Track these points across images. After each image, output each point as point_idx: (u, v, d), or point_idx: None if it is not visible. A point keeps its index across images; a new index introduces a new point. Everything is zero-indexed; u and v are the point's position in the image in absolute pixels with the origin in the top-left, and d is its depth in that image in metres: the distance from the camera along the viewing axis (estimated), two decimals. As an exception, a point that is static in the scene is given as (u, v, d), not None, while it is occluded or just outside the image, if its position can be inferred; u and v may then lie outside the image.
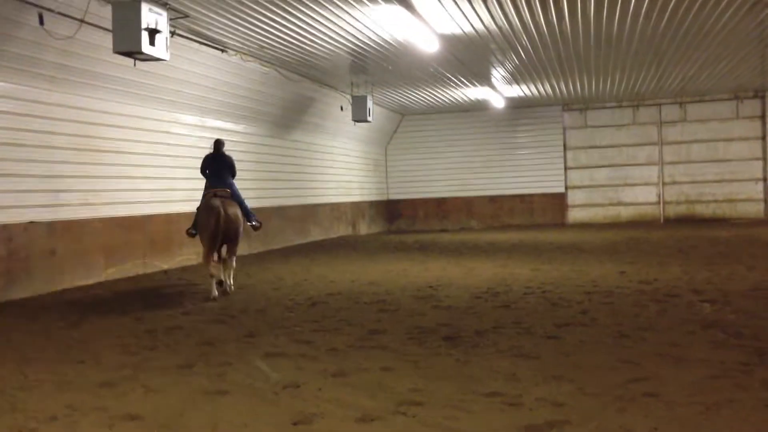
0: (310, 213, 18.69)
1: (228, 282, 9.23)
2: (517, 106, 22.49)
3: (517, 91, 19.59)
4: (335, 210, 20.40)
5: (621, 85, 19.48)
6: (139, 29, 8.68)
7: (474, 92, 19.41)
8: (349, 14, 10.81)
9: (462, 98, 20.57)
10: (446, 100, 21.01)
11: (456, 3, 10.42)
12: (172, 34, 9.89)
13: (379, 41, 12.64)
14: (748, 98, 22.00)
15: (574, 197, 23.56)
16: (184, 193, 13.00)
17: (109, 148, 11.23)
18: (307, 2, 10.11)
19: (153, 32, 8.91)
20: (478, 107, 22.45)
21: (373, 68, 15.22)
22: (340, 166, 20.84)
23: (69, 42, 9.35)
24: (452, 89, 18.93)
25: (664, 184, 22.89)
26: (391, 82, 17.44)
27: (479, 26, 11.87)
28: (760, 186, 22.11)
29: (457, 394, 4.40)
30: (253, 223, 9.80)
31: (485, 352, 5.53)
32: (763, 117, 22.05)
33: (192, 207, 13.08)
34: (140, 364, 5.48)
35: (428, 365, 5.17)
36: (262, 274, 11.38)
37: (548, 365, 5.06)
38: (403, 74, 16.27)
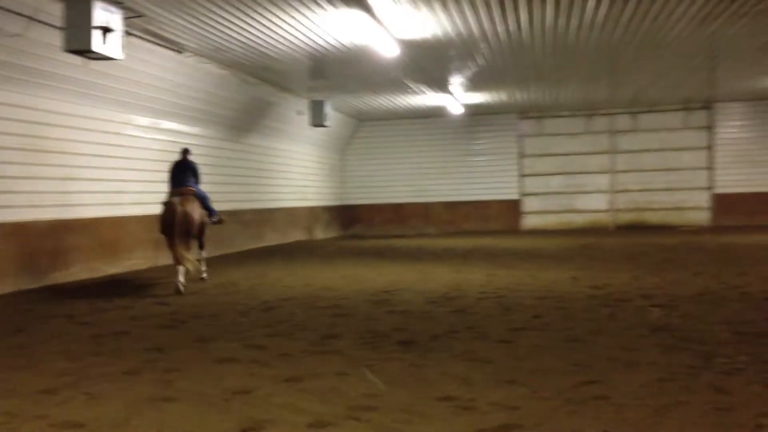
0: (265, 217, 18.51)
1: (201, 269, 10.69)
2: (474, 113, 22.69)
3: (474, 98, 19.77)
4: (291, 215, 20.25)
5: (576, 94, 19.82)
6: (90, 27, 8.52)
7: (432, 99, 19.51)
8: (308, 18, 10.75)
9: (420, 104, 20.66)
10: (404, 106, 21.08)
11: (416, 8, 10.45)
12: (127, 33, 9.69)
13: (338, 45, 12.60)
14: (696, 109, 22.62)
15: (528, 204, 23.85)
16: (136, 196, 12.75)
17: (58, 149, 10.93)
18: (266, 4, 10.03)
19: (105, 31, 8.73)
20: (436, 114, 22.58)
21: (331, 73, 15.16)
22: (297, 170, 20.71)
23: (18, 40, 9.09)
24: (411, 95, 18.99)
25: (615, 191, 23.34)
26: (349, 87, 17.41)
27: (439, 33, 11.94)
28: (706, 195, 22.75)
29: (411, 399, 4.37)
30: (214, 219, 10.80)
31: (439, 356, 5.52)
32: (709, 128, 22.68)
33: (144, 210, 12.89)
34: (84, 370, 5.31)
35: (382, 370, 5.13)
36: (215, 278, 11.21)
37: (501, 369, 5.07)
38: (361, 79, 16.26)
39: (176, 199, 9.88)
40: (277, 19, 10.78)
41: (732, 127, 22.64)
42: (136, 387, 4.79)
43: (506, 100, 20.42)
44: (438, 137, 24.05)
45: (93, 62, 9.90)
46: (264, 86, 16.02)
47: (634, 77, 17.25)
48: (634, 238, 18.40)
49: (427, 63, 14.55)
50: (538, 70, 15.88)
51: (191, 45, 12.13)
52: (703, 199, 22.89)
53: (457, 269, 11.98)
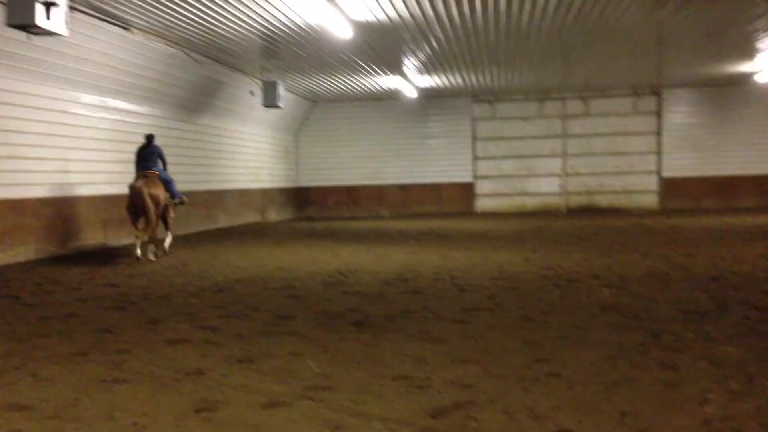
0: (217, 199, 18.25)
1: (163, 248, 11.42)
2: (428, 96, 22.72)
3: (428, 81, 19.78)
4: (244, 196, 20.01)
5: (529, 78, 20.00)
6: (33, 2, 8.24)
7: (386, 81, 19.45)
8: (260, -5, 10.57)
9: (374, 87, 20.58)
10: (359, 89, 20.97)
11: (369, -12, 10.37)
12: (72, 8, 9.38)
13: (291, 25, 12.43)
14: (646, 95, 23.09)
15: (482, 187, 24.06)
16: (83, 176, 12.42)
17: (0, 127, 10.55)
18: (216, -20, 9.81)
19: (49, 5, 8.44)
20: (391, 96, 22.53)
21: (284, 53, 14.97)
22: (250, 152, 20.45)
23: (-45, 11, 8.71)
24: (365, 77, 18.89)
25: (567, 175, 23.72)
26: (303, 68, 17.23)
27: (393, 14, 11.87)
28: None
29: (366, 378, 4.37)
30: (176, 200, 11.51)
31: (394, 336, 5.54)
32: (658, 113, 23.19)
33: (92, 190, 12.58)
34: (30, 352, 5.16)
35: (337, 350, 5.12)
36: (165, 259, 11.02)
37: (456, 349, 5.11)
38: (315, 60, 16.10)
39: (140, 182, 10.64)
40: (230, -4, 10.57)
41: (680, 113, 23.19)
42: (85, 368, 4.68)
43: (460, 83, 20.49)
44: (392, 120, 24.02)
45: (37, 38, 9.56)
46: (215, 66, 15.73)
47: (585, 62, 17.49)
48: (584, 221, 18.73)
49: (381, 45, 14.48)
50: (492, 53, 15.96)
51: (139, 22, 11.81)
52: (651, 182, 23.44)
53: (411, 251, 12.03)
